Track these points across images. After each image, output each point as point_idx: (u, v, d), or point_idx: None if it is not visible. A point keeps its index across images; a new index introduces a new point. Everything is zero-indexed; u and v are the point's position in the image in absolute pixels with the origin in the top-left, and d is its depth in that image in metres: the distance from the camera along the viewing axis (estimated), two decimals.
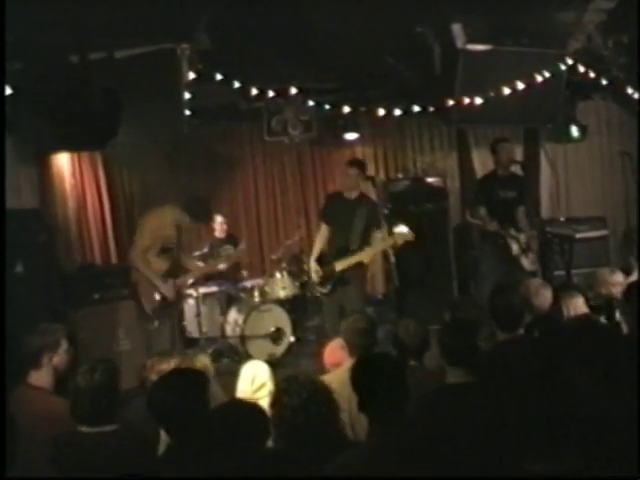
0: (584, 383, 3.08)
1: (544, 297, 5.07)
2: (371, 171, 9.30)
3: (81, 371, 3.47)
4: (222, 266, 7.72)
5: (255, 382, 4.39)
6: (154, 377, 4.20)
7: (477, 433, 3.31)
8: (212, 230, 8.43)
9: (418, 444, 3.02)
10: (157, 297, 6.24)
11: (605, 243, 8.82)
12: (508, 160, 7.21)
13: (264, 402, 4.09)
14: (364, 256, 6.50)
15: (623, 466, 2.67)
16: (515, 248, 7.01)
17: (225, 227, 8.47)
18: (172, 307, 6.49)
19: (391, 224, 6.41)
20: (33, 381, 4.01)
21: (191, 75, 5.74)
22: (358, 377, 3.15)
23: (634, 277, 6.08)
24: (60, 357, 4.06)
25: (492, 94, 6.60)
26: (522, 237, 7.07)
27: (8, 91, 5.12)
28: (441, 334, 3.84)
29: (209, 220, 6.51)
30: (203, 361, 4.51)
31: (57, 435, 3.46)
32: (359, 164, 6.81)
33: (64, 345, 4.10)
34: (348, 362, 4.33)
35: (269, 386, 4.36)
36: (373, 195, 6.74)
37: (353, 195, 6.63)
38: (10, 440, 2.99)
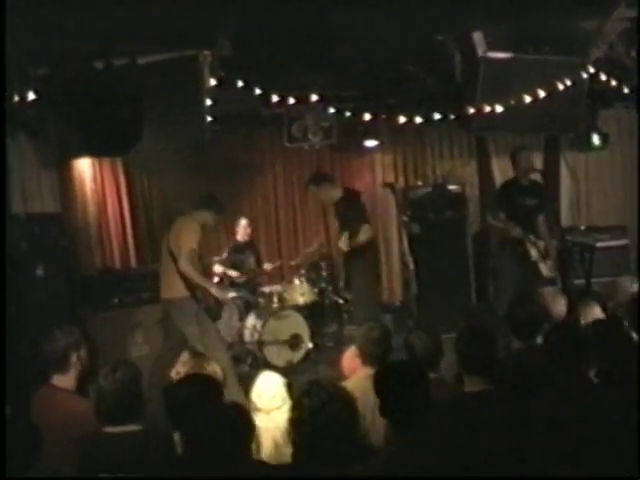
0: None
1: (560, 305, 5.04)
2: (391, 178, 9.34)
3: (103, 371, 3.51)
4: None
5: (262, 398, 4.37)
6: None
7: (495, 442, 3.30)
8: (234, 233, 8.47)
9: (440, 451, 3.02)
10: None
11: (626, 252, 8.76)
12: (528, 168, 7.20)
13: (281, 411, 4.10)
14: None
15: (623, 466, 2.67)
16: (534, 253, 6.99)
17: (249, 231, 8.51)
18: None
19: None
20: (57, 382, 4.02)
21: (212, 82, 5.76)
22: (383, 383, 3.16)
23: None
24: (83, 356, 4.10)
25: (513, 102, 6.57)
26: (541, 244, 7.04)
27: (32, 96, 5.18)
28: (458, 342, 3.82)
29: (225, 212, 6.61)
30: (213, 367, 4.49)
31: (83, 435, 3.48)
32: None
33: (84, 345, 4.15)
34: (361, 370, 4.33)
35: (281, 394, 4.34)
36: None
37: None
38: (35, 441, 3.03)
